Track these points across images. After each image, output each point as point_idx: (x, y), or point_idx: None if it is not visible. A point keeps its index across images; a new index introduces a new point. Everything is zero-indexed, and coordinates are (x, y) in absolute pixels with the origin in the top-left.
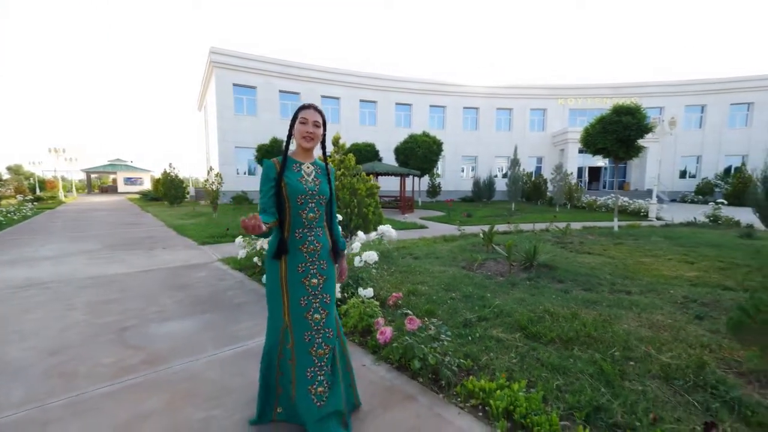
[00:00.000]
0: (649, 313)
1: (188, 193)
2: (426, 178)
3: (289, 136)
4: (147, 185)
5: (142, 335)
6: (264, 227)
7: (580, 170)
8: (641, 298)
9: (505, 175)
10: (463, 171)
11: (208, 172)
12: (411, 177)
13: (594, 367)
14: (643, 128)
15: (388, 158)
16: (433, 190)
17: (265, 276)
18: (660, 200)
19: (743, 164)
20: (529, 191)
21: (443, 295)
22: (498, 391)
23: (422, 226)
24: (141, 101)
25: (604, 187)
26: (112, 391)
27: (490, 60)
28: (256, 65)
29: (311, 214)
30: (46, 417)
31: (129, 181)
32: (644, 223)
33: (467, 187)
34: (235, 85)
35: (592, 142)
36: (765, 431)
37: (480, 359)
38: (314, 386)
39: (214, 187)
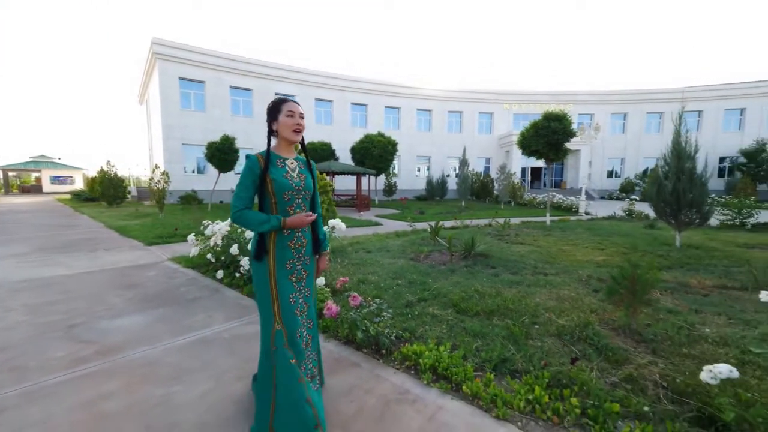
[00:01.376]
0: (558, 289)
1: (129, 192)
2: (382, 177)
3: (270, 132)
4: (79, 185)
5: (93, 330)
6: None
7: (523, 170)
8: (555, 278)
9: (457, 175)
10: (419, 170)
11: (153, 171)
12: (367, 176)
13: (506, 331)
14: (569, 133)
15: (345, 157)
16: (389, 188)
17: (219, 273)
18: (590, 197)
19: (656, 166)
20: (478, 190)
21: (390, 282)
22: (427, 352)
23: (377, 223)
24: (70, 93)
25: (545, 185)
26: (67, 379)
27: (490, 60)
28: (204, 59)
29: (298, 210)
30: (1, 405)
31: (57, 180)
32: (573, 218)
33: (422, 185)
34: (181, 78)
35: (526, 144)
36: (619, 366)
37: (416, 331)
38: (308, 375)
39: (160, 186)
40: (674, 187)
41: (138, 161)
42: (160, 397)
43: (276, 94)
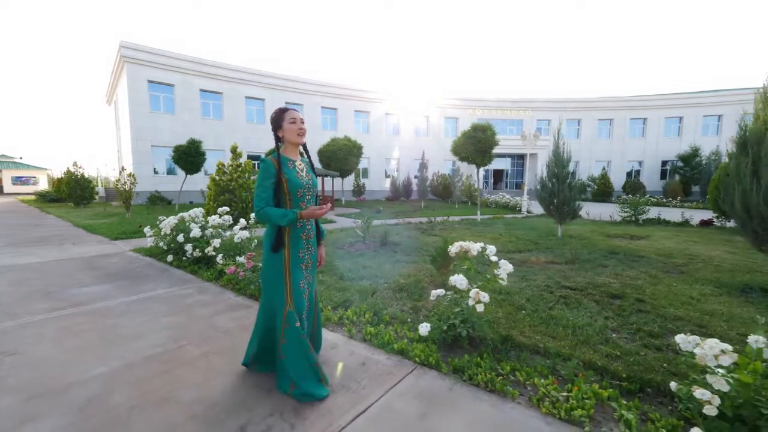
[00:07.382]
0: (425, 264)
1: (96, 193)
2: (351, 179)
3: (277, 139)
4: (43, 185)
5: (65, 294)
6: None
7: (486, 172)
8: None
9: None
10: (396, 171)
11: (120, 172)
12: (332, 178)
13: (362, 288)
14: (491, 141)
15: (315, 160)
16: (358, 189)
17: (169, 257)
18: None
19: (604, 169)
20: (441, 190)
21: None
22: None
23: (330, 221)
24: (33, 91)
25: (507, 186)
26: (49, 318)
27: (459, 66)
28: (173, 62)
29: (308, 205)
30: (3, 330)
31: (19, 180)
32: (509, 216)
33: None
34: (150, 81)
35: (458, 151)
36: (416, 302)
37: None
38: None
39: (126, 187)
40: (552, 188)
41: (106, 161)
42: (112, 323)
43: (246, 97)
